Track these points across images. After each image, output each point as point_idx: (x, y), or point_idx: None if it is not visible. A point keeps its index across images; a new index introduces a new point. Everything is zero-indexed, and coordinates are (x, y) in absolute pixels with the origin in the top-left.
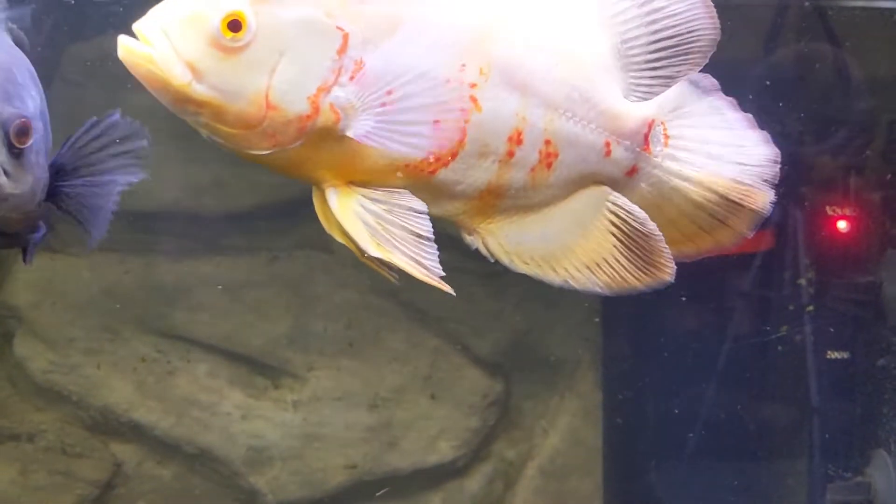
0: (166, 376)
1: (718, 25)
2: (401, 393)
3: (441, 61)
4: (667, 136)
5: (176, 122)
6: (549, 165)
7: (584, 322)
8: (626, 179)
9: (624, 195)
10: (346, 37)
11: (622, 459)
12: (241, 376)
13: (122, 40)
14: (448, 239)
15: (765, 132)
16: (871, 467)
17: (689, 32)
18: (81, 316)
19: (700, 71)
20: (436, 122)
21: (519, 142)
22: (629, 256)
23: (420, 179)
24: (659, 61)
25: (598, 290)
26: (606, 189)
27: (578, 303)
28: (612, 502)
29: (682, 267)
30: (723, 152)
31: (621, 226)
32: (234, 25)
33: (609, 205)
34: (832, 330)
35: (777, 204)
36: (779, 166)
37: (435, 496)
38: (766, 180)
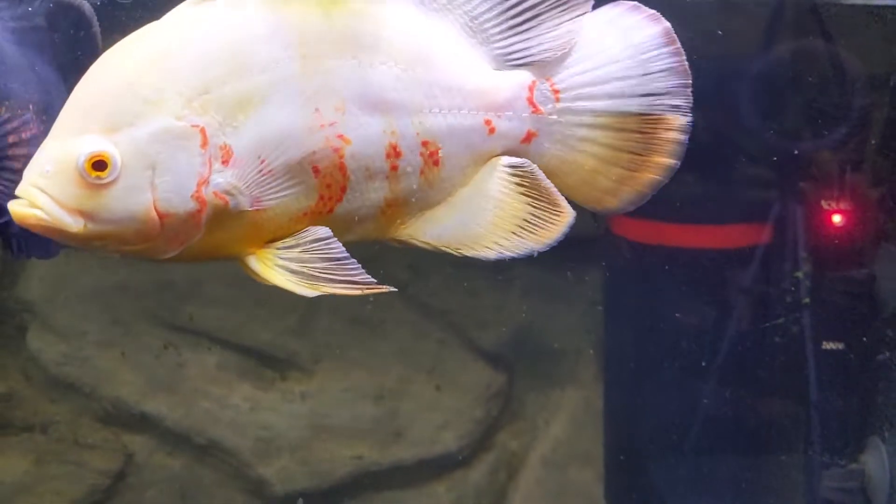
0: (177, 368)
1: None
2: (406, 385)
3: (296, 115)
4: (556, 92)
5: None
6: (436, 163)
7: (586, 314)
8: (524, 147)
9: (534, 160)
10: (202, 130)
11: (623, 449)
12: (250, 369)
13: (13, 206)
14: None
15: (672, 46)
16: (865, 454)
17: None
18: (94, 310)
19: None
20: (314, 168)
21: (398, 154)
22: (540, 211)
23: (323, 219)
24: (522, 24)
25: (530, 251)
26: (502, 158)
27: (581, 295)
28: (613, 491)
29: (683, 260)
30: (624, 87)
31: (526, 184)
32: (99, 165)
33: (508, 170)
34: (828, 322)
35: (775, 198)
36: (689, 88)
37: (439, 486)
38: (677, 105)
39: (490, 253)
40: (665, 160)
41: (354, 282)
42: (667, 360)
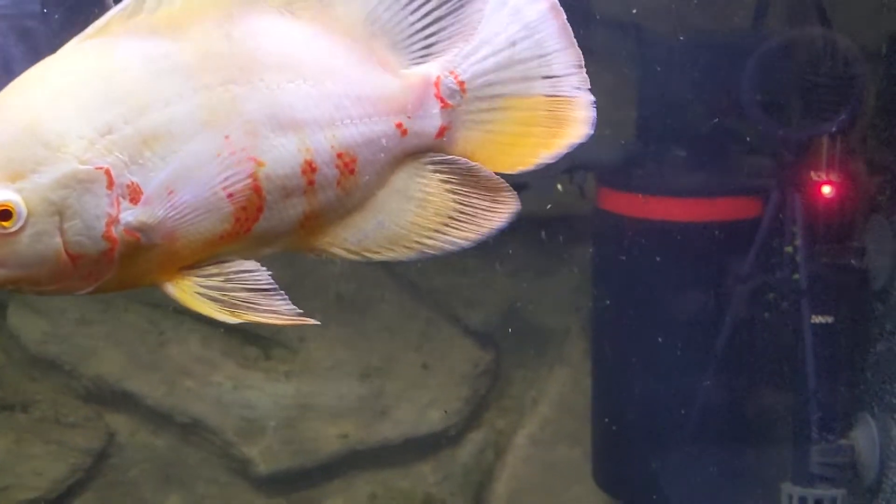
0: (158, 347)
1: None
2: (392, 363)
3: (204, 145)
4: (461, 83)
5: None
6: (352, 172)
7: (574, 292)
8: (439, 141)
9: (450, 151)
10: (107, 172)
11: (611, 428)
12: (233, 347)
13: None
14: None
15: (567, 27)
16: (854, 430)
17: None
18: None
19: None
20: (228, 195)
21: (313, 170)
22: (472, 202)
23: (242, 240)
24: (421, 21)
25: (458, 246)
26: (420, 156)
27: (569, 273)
28: (601, 469)
29: (671, 235)
30: (527, 71)
31: (452, 178)
32: (4, 215)
33: (430, 167)
34: (818, 296)
35: (764, 172)
36: (582, 65)
37: (426, 465)
38: (578, 87)
39: (410, 254)
40: (578, 131)
41: (279, 312)
42: (654, 337)
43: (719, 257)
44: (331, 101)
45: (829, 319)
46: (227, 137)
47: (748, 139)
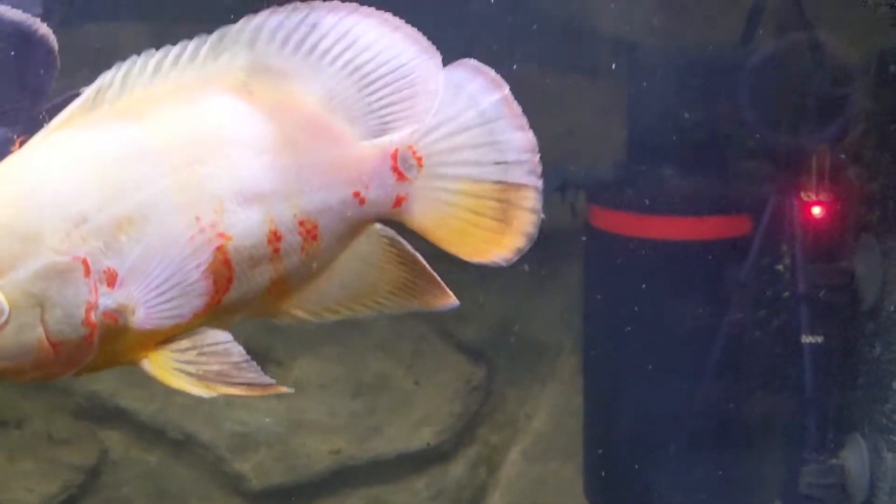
0: None
1: (424, 48)
2: (384, 380)
3: (176, 226)
4: (419, 159)
5: None
6: (314, 238)
7: (566, 308)
8: (396, 210)
9: (407, 222)
10: (84, 261)
11: (602, 444)
12: None
13: None
14: None
15: (519, 116)
16: (845, 450)
17: (395, 65)
18: None
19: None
20: (200, 270)
21: (278, 238)
22: (419, 280)
23: (213, 312)
24: (379, 97)
25: (413, 309)
26: (378, 226)
27: (562, 289)
28: (592, 486)
29: (661, 253)
30: (480, 156)
31: (400, 254)
32: None
33: (385, 239)
34: (808, 315)
35: (755, 190)
36: (537, 154)
37: (419, 481)
38: (530, 171)
39: (368, 311)
40: (523, 228)
41: (254, 384)
42: (646, 354)
43: (710, 275)
44: (292, 173)
45: (819, 339)
46: (196, 217)
47: (739, 158)
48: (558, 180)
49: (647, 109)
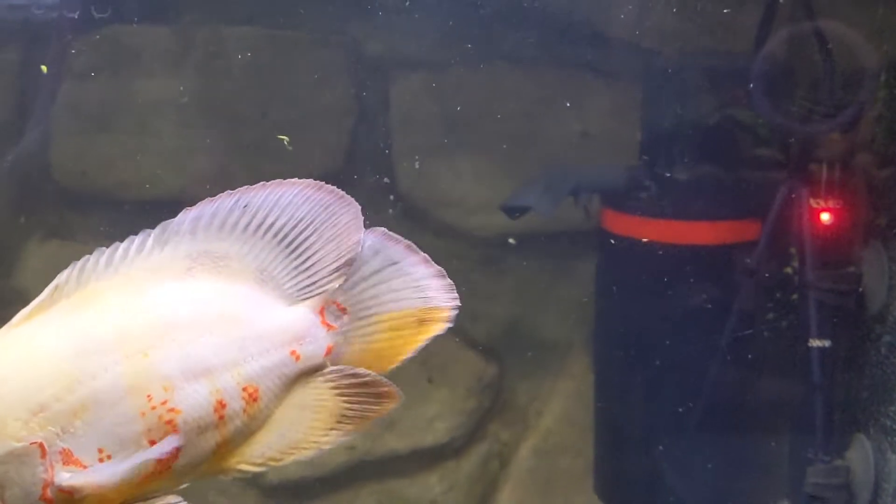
0: None
1: (344, 204)
2: (398, 377)
3: (128, 407)
4: (343, 309)
5: (183, 114)
6: (255, 399)
7: (577, 306)
8: (328, 358)
9: (335, 362)
10: (41, 445)
11: (612, 441)
12: None
13: None
14: (448, 228)
15: (437, 268)
16: (850, 451)
17: (317, 225)
18: None
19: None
20: (151, 442)
21: (223, 406)
22: (360, 402)
23: (164, 478)
24: (303, 265)
25: (350, 437)
26: (314, 375)
27: (572, 287)
28: (603, 481)
29: (672, 256)
30: (399, 293)
31: (340, 383)
32: None
33: (320, 378)
34: (815, 318)
35: (764, 195)
36: (445, 278)
37: (432, 475)
38: (441, 291)
39: (309, 453)
40: (438, 327)
41: None
42: (655, 352)
43: (720, 278)
44: (235, 345)
45: (827, 343)
46: (148, 396)
47: (751, 163)
48: (572, 184)
49: (661, 113)
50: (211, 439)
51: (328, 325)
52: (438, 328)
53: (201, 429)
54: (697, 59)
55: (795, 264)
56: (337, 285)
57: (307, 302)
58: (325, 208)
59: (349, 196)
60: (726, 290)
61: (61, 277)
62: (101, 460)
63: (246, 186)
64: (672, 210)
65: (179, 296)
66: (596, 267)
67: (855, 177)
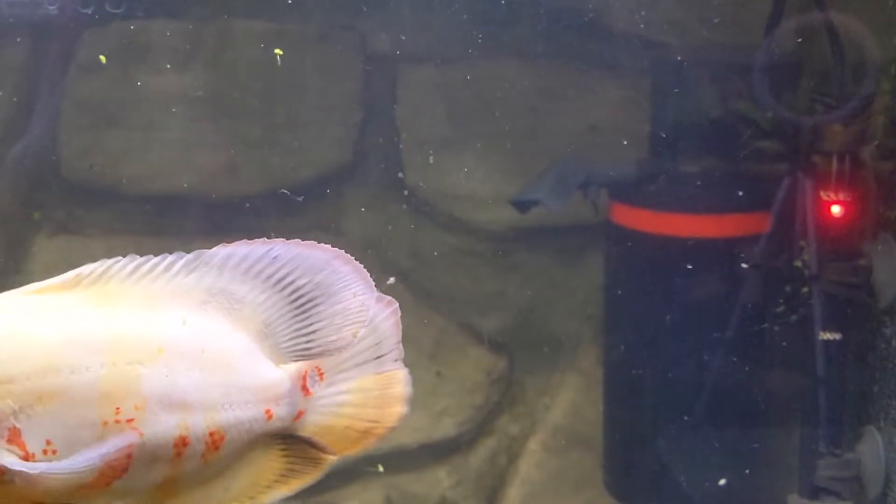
0: None
1: (366, 285)
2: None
3: (94, 412)
4: (321, 374)
5: (191, 109)
6: (217, 448)
7: (586, 300)
8: (294, 424)
9: (298, 430)
10: None
11: (622, 435)
12: None
13: None
14: (457, 222)
15: (394, 317)
16: (861, 444)
17: (335, 298)
18: None
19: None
20: (101, 454)
21: (185, 444)
22: (300, 463)
23: (99, 492)
24: (306, 328)
25: (284, 497)
26: (274, 436)
27: (582, 281)
28: (612, 475)
29: (681, 249)
30: (365, 356)
31: (288, 449)
32: None
33: (278, 440)
34: (826, 311)
35: (774, 188)
36: (400, 346)
37: (441, 469)
38: (396, 360)
39: None
40: (397, 410)
41: None
42: (665, 346)
43: (729, 271)
44: (218, 390)
45: (837, 336)
46: (117, 409)
47: (760, 156)
48: (581, 178)
49: (670, 106)
50: (160, 472)
51: (307, 390)
52: (393, 416)
53: (154, 458)
54: (706, 52)
55: (805, 257)
56: (332, 352)
57: (296, 365)
58: (342, 280)
59: (365, 271)
60: (736, 284)
61: (85, 269)
62: (45, 452)
63: (282, 239)
64: (682, 203)
65: (187, 327)
66: (605, 261)
67: (865, 169)
